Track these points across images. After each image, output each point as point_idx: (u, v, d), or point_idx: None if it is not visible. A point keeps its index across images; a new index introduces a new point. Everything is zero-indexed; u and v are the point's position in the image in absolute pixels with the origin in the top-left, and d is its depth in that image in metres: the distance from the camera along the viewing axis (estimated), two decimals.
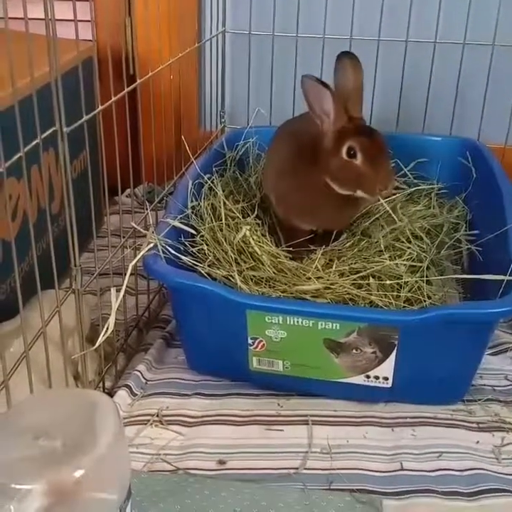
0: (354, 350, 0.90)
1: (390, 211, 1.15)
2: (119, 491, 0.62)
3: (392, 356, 0.90)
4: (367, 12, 1.45)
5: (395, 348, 0.89)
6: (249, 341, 0.93)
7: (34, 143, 0.73)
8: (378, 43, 1.43)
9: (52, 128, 0.76)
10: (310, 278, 1.01)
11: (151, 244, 0.95)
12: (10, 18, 0.65)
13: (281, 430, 0.93)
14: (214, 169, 1.24)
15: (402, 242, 1.10)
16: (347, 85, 1.01)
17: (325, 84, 0.96)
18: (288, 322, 0.89)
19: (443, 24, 1.41)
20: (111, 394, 0.97)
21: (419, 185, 1.30)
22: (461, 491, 0.82)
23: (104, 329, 0.86)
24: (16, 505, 0.56)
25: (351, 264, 1.05)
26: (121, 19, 1.38)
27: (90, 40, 0.92)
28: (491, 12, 1.39)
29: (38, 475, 0.57)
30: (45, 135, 0.75)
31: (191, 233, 1.06)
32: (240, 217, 1.13)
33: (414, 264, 1.05)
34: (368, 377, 0.92)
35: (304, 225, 1.10)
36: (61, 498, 0.57)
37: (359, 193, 0.98)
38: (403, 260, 1.05)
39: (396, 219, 1.14)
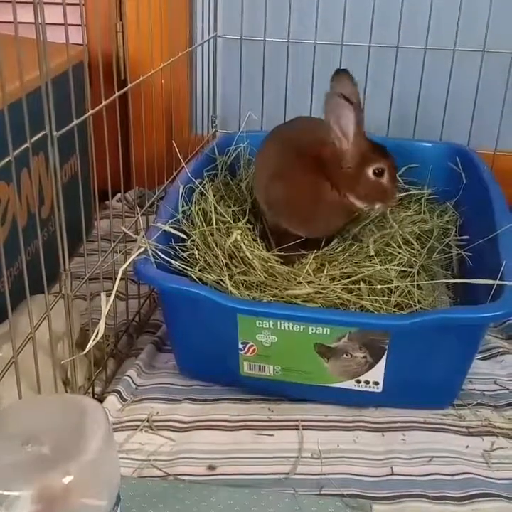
0: (344, 355, 0.90)
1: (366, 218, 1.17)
2: (108, 497, 0.62)
3: (383, 361, 0.90)
4: (358, 18, 1.45)
5: (386, 353, 0.89)
6: (240, 346, 0.93)
7: (24, 147, 0.73)
8: (369, 49, 1.44)
9: (42, 132, 0.76)
10: (301, 282, 1.01)
11: (142, 249, 0.94)
12: None
13: (271, 435, 0.92)
14: (205, 174, 1.24)
15: (393, 247, 1.11)
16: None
17: (349, 100, 0.97)
18: (279, 327, 0.89)
19: (433, 31, 1.42)
20: (101, 399, 0.97)
21: (410, 191, 1.31)
22: (451, 495, 0.82)
23: (94, 334, 0.86)
24: (5, 511, 0.55)
25: (342, 268, 1.05)
26: (112, 23, 1.38)
27: (81, 45, 0.92)
28: (481, 19, 1.40)
29: (27, 481, 0.56)
30: (35, 139, 0.74)
31: (182, 238, 1.06)
32: (231, 221, 1.13)
33: (404, 269, 1.06)
34: (358, 381, 0.92)
35: (294, 231, 1.10)
36: (50, 504, 0.57)
37: (377, 206, 1.04)
38: (393, 265, 1.05)
39: (386, 225, 1.15)
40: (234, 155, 1.34)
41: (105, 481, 0.62)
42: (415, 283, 1.02)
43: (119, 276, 0.92)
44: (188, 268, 1.01)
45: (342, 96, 0.97)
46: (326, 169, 1.03)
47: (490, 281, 0.91)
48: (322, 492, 0.83)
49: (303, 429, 0.93)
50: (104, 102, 0.90)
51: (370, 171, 1.01)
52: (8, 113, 0.68)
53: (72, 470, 0.57)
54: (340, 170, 1.02)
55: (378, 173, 1.01)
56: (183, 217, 1.10)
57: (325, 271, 1.05)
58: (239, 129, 1.39)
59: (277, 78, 1.51)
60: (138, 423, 0.94)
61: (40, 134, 0.76)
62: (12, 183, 0.74)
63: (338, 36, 1.44)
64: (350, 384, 0.93)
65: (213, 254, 1.04)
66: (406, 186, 1.31)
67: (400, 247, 1.10)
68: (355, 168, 1.02)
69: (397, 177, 1.05)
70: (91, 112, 0.87)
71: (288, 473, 0.86)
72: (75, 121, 0.82)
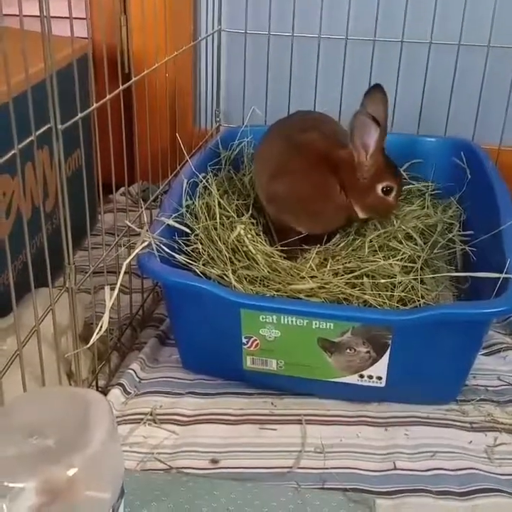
0: (348, 350, 0.90)
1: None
2: (112, 489, 0.62)
3: (386, 356, 0.90)
4: (362, 12, 1.45)
5: (389, 348, 0.89)
6: (243, 340, 0.93)
7: (28, 140, 0.73)
8: (374, 43, 1.43)
9: (46, 125, 0.76)
10: (304, 277, 1.01)
11: (146, 243, 0.95)
12: (5, 14, 0.65)
13: (274, 429, 0.93)
14: (209, 168, 1.24)
15: (396, 242, 1.11)
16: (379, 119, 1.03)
17: (377, 122, 1.00)
18: (282, 321, 0.89)
19: (438, 25, 1.41)
20: (104, 392, 0.97)
21: (414, 186, 1.30)
22: (453, 490, 0.83)
23: (98, 327, 0.86)
24: (9, 503, 0.56)
25: (345, 263, 1.05)
26: (117, 17, 1.37)
27: (85, 38, 0.92)
28: (486, 13, 1.39)
29: (31, 473, 0.57)
30: (39, 132, 0.74)
31: (186, 232, 1.06)
32: (235, 216, 1.13)
33: (407, 264, 1.05)
34: (361, 376, 0.92)
35: (296, 226, 1.10)
36: (54, 496, 0.57)
37: (376, 219, 1.11)
38: (397, 260, 1.05)
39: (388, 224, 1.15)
40: (237, 149, 1.34)
41: (109, 473, 0.63)
42: (418, 278, 1.02)
43: (123, 270, 0.92)
44: (192, 262, 1.01)
45: (371, 117, 0.99)
46: (339, 172, 1.05)
47: (494, 275, 0.91)
48: (325, 486, 0.83)
49: (306, 423, 0.93)
50: (108, 96, 0.90)
51: (379, 187, 1.05)
52: (13, 106, 0.68)
53: (76, 463, 0.57)
54: (354, 178, 1.04)
55: (386, 191, 1.05)
56: (187, 211, 1.10)
57: (328, 266, 1.04)
58: (243, 124, 1.38)
59: (281, 72, 1.51)
60: (141, 416, 0.94)
61: (45, 128, 0.76)
62: (16, 176, 0.74)
63: (342, 30, 1.43)
64: (353, 379, 0.93)
65: (217, 249, 1.04)
66: (410, 181, 1.31)
67: (400, 242, 1.10)
68: (369, 183, 1.05)
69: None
70: (95, 105, 0.87)
71: (291, 468, 0.86)
72: (80, 115, 0.82)
